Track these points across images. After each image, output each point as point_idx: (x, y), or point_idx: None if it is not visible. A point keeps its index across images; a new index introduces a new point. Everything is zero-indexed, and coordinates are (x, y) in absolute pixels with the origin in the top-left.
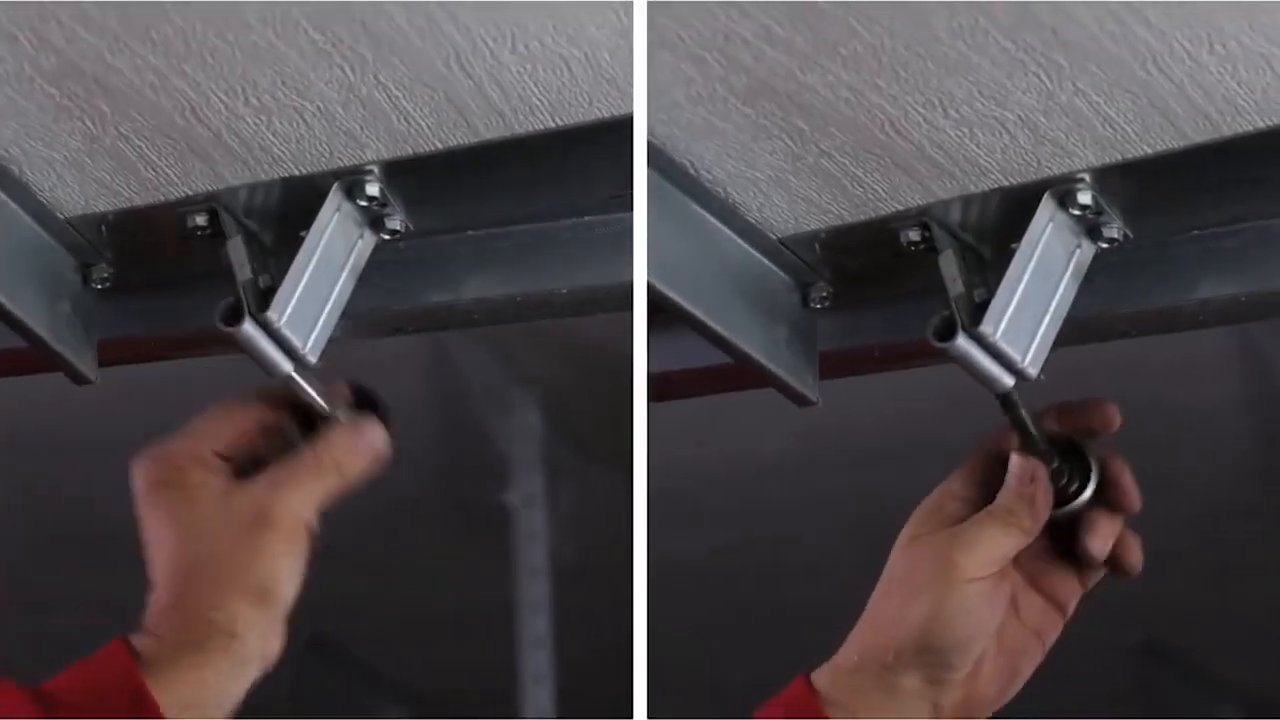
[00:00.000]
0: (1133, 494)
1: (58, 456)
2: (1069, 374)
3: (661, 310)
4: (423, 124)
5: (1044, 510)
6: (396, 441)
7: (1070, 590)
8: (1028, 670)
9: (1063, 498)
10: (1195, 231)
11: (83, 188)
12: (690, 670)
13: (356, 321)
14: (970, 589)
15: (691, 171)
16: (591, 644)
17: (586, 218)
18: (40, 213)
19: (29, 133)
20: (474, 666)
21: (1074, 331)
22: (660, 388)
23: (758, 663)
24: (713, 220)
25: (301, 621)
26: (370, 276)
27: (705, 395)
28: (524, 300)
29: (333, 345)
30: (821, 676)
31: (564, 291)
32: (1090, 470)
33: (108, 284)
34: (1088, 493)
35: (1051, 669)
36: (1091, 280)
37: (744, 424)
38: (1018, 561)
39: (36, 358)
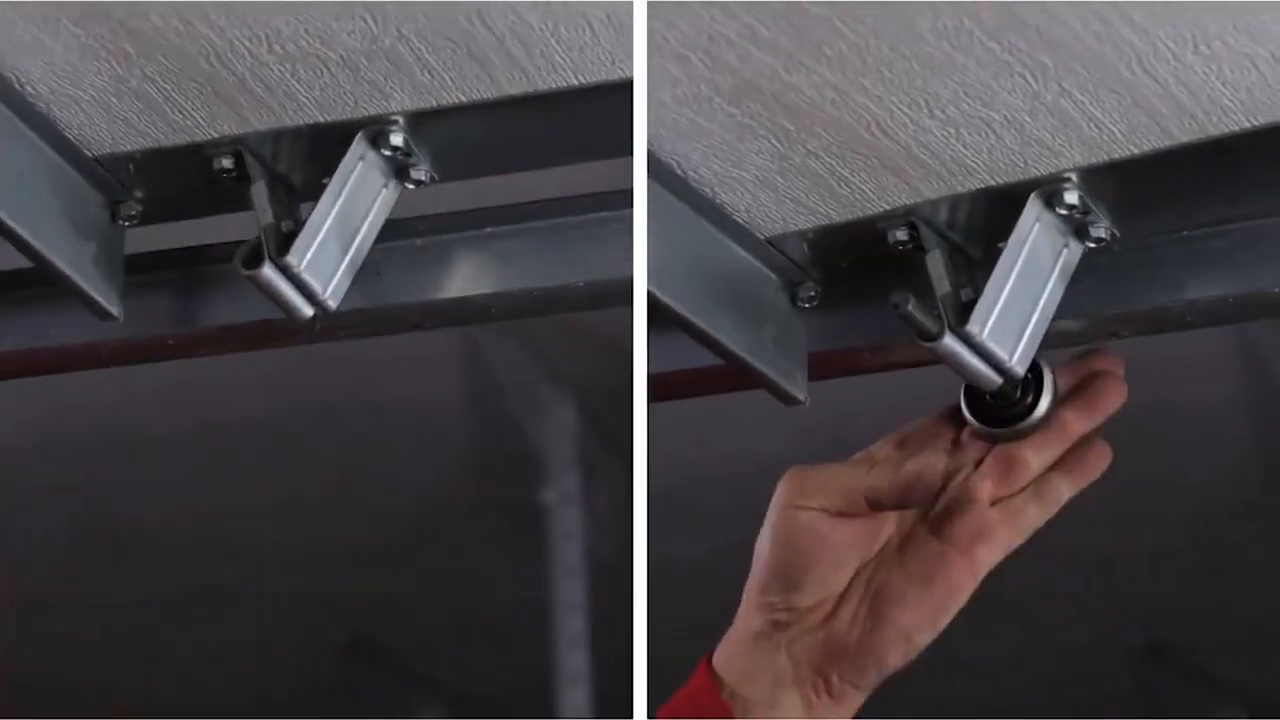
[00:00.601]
0: (1108, 392)
1: (84, 456)
2: None
3: (658, 309)
4: (445, 77)
5: (910, 484)
6: (431, 442)
7: (979, 533)
8: (907, 620)
9: (1021, 412)
10: (1185, 232)
11: (110, 127)
12: (692, 671)
13: (373, 318)
14: (797, 516)
15: (679, 171)
16: (628, 643)
17: (602, 213)
18: (68, 150)
19: (55, 72)
20: (511, 666)
21: (1062, 334)
22: (662, 388)
23: None
24: (700, 220)
25: (341, 622)
26: (387, 274)
27: (706, 395)
28: (541, 294)
29: (363, 345)
30: (718, 650)
31: (580, 285)
32: (1044, 380)
33: (135, 221)
34: (1043, 402)
35: (1052, 670)
36: (1079, 282)
37: (744, 424)
38: (927, 507)
39: (62, 356)
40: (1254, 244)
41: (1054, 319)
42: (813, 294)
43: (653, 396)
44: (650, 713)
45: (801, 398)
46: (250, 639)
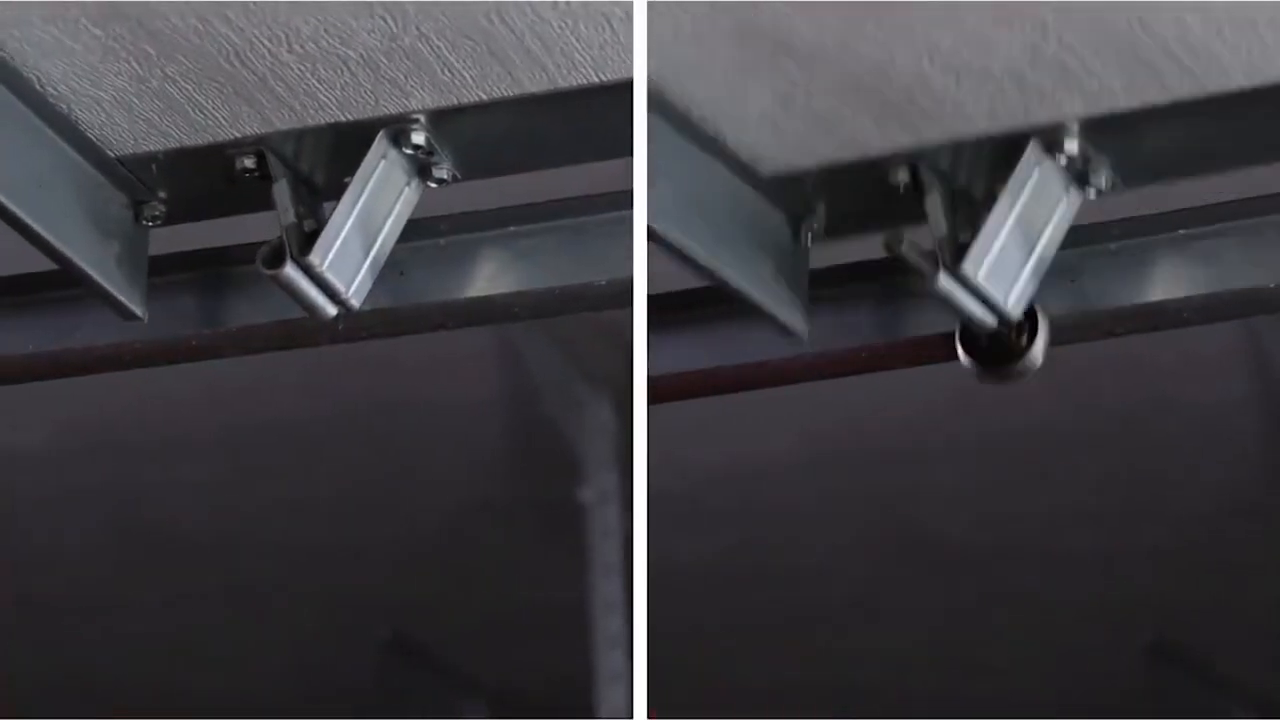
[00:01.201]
0: None
1: (120, 457)
2: (1077, 372)
3: (669, 309)
4: (466, 75)
5: None
6: (468, 441)
7: None
8: None
9: (1016, 350)
10: (1180, 231)
11: (132, 127)
12: (700, 671)
13: (397, 317)
14: None
15: (681, 107)
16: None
17: (623, 211)
18: (90, 151)
19: (76, 72)
20: (550, 665)
21: (1060, 331)
22: (668, 388)
23: (766, 665)
24: (704, 155)
25: (380, 621)
26: (410, 273)
27: (711, 395)
28: (563, 293)
29: (397, 345)
30: None
31: (603, 283)
32: (1039, 324)
33: (159, 222)
34: (1038, 345)
35: (1062, 670)
36: (1074, 280)
37: (750, 425)
38: None
39: (87, 358)
40: (1249, 241)
41: (1052, 318)
42: (816, 229)
43: (659, 397)
44: (655, 713)
45: (800, 331)
46: (288, 639)
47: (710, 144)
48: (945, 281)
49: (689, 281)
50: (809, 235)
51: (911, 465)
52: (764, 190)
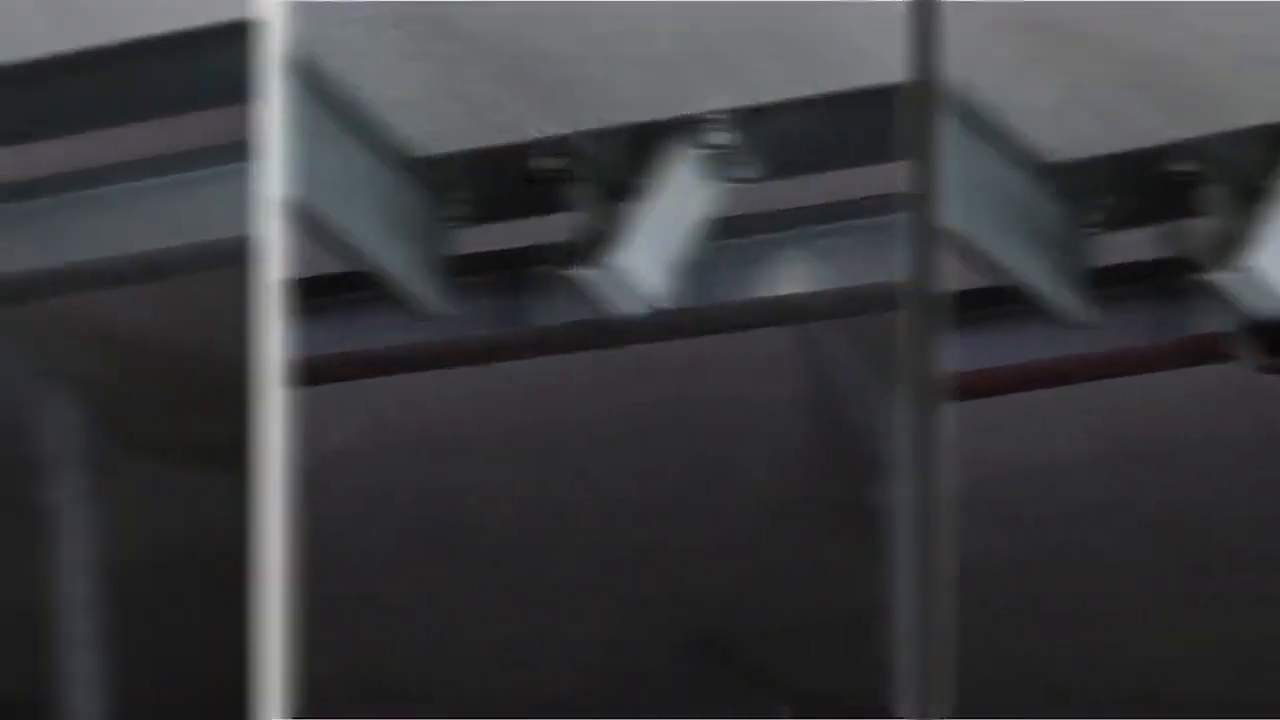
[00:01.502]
0: None
1: (423, 458)
2: None
3: (966, 308)
4: (766, 75)
5: None
6: (769, 441)
7: None
8: None
9: None
10: None
11: (433, 128)
12: (994, 670)
13: (698, 317)
14: None
15: (967, 98)
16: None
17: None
18: (391, 152)
19: (376, 73)
20: (852, 664)
21: None
22: (964, 386)
23: (1060, 664)
24: (985, 145)
25: (684, 620)
26: (711, 273)
27: (1008, 394)
28: (862, 292)
29: (702, 343)
30: None
31: (898, 282)
32: None
33: (459, 223)
34: None
35: (1237, 669)
36: None
37: (1044, 423)
38: None
39: (387, 359)
40: None
41: None
42: (1098, 220)
43: (955, 395)
44: (957, 712)
45: (1083, 321)
46: (594, 638)
47: (993, 135)
48: (1224, 275)
49: (983, 280)
50: (1091, 226)
51: (1198, 465)
52: (1044, 178)
